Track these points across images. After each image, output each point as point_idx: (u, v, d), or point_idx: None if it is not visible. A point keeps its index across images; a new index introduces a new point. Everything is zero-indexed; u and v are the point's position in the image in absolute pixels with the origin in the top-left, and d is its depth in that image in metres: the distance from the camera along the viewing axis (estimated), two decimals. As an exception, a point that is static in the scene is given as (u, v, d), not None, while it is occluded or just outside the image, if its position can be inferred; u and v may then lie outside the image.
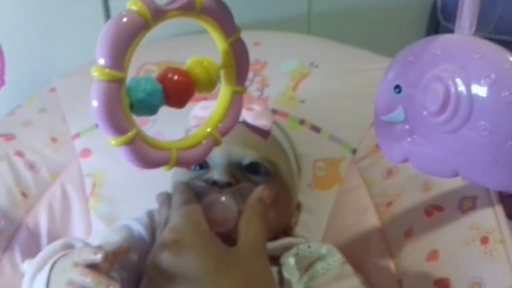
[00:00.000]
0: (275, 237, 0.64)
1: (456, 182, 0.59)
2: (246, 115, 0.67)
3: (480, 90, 0.45)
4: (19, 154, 0.79)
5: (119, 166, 0.77)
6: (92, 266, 0.49)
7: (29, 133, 0.82)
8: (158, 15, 0.41)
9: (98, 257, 0.49)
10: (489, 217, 0.55)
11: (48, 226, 0.75)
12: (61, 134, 0.83)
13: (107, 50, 0.39)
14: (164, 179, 0.66)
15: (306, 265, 0.62)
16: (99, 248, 0.50)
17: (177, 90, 0.44)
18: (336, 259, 0.62)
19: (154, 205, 0.62)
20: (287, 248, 0.62)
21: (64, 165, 0.81)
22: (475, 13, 0.46)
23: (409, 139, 0.52)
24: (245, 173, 0.63)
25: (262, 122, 0.67)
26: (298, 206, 0.72)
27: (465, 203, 0.58)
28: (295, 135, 0.77)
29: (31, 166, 0.78)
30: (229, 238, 0.58)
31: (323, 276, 0.61)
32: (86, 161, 0.81)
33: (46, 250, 0.57)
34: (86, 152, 0.82)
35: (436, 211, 0.60)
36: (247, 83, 0.83)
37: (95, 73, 0.39)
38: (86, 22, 0.96)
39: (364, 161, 0.75)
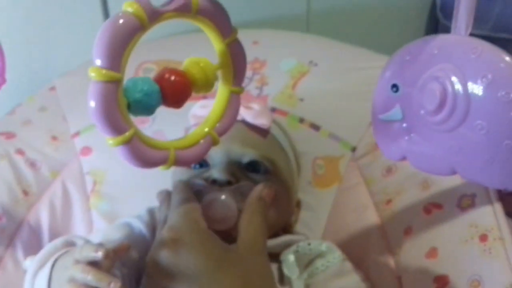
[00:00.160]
0: (275, 234, 0.65)
1: (455, 180, 0.60)
2: (246, 114, 0.67)
3: (477, 90, 0.45)
4: (20, 152, 0.79)
5: (120, 164, 0.77)
6: (94, 264, 0.49)
7: (29, 132, 0.82)
8: (154, 16, 0.41)
9: (99, 254, 0.49)
10: (488, 215, 0.55)
11: (50, 223, 0.75)
12: (61, 132, 0.84)
13: (104, 51, 0.39)
14: (165, 177, 0.66)
15: (306, 262, 0.62)
16: (100, 245, 0.51)
17: (174, 90, 0.44)
18: (335, 256, 0.63)
19: (154, 202, 0.62)
20: (287, 245, 0.62)
21: (65, 163, 0.81)
22: (471, 14, 0.46)
23: (406, 138, 0.52)
24: (244, 171, 0.63)
25: (261, 121, 0.67)
26: (298, 204, 0.72)
27: (464, 201, 0.58)
28: (294, 133, 0.77)
29: (32, 164, 0.78)
30: (229, 236, 0.59)
31: (323, 273, 0.61)
32: (87, 159, 0.82)
33: (48, 247, 0.58)
34: (86, 150, 0.82)
35: (435, 209, 0.61)
36: (246, 81, 0.84)
37: (92, 74, 0.39)
38: (85, 22, 0.96)
39: (363, 159, 0.76)
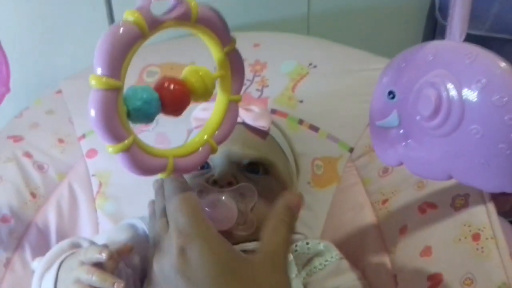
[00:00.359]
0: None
1: (449, 181, 0.61)
2: (245, 116, 0.69)
3: (471, 95, 0.46)
4: (28, 155, 0.81)
5: (124, 166, 0.79)
6: (98, 265, 0.51)
7: (36, 135, 0.84)
8: (155, 25, 0.42)
9: (103, 256, 0.51)
10: (481, 214, 0.56)
11: (57, 224, 0.77)
12: (67, 135, 0.85)
13: (104, 60, 0.39)
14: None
15: (305, 261, 0.63)
16: (104, 247, 0.52)
17: (173, 98, 0.45)
18: (333, 255, 0.64)
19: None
20: (286, 244, 0.64)
21: (71, 165, 0.83)
22: (466, 20, 0.47)
23: (403, 143, 0.53)
24: (244, 172, 0.65)
25: (261, 123, 0.69)
26: (297, 204, 0.74)
27: (457, 200, 0.59)
28: (294, 135, 0.78)
29: (40, 167, 0.80)
30: (230, 235, 0.61)
31: (321, 272, 0.63)
32: (92, 161, 0.83)
33: (54, 249, 0.59)
34: (92, 153, 0.84)
35: (429, 208, 0.62)
36: (247, 83, 0.85)
37: (92, 82, 0.39)
38: (90, 27, 0.98)
39: (361, 159, 0.77)
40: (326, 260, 0.63)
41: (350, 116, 0.79)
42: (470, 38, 1.03)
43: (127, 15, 0.41)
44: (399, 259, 0.62)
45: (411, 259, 0.60)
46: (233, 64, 0.50)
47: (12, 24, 0.97)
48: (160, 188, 0.53)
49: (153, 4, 0.43)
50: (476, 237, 0.55)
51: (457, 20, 0.47)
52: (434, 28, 1.11)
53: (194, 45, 0.89)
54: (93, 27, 0.98)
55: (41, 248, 0.72)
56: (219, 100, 0.51)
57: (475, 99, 0.45)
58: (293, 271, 0.61)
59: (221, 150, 0.64)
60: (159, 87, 0.45)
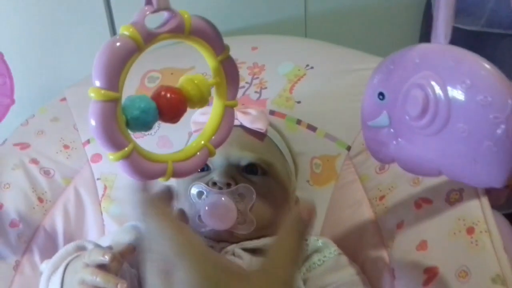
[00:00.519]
0: (274, 231, 0.68)
1: (444, 176, 0.62)
2: (243, 119, 0.70)
3: (457, 95, 0.47)
4: (34, 161, 0.83)
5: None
6: (102, 267, 0.53)
7: (42, 142, 0.86)
8: (149, 38, 0.44)
9: (106, 258, 0.52)
10: (475, 208, 0.57)
11: (64, 228, 0.79)
12: (72, 141, 0.87)
13: (102, 73, 0.41)
14: (171, 181, 0.69)
15: (304, 258, 0.65)
16: (107, 249, 0.54)
17: (170, 107, 0.46)
18: (331, 251, 0.66)
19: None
20: (285, 242, 0.65)
21: (77, 170, 0.85)
22: (450, 24, 0.48)
23: (394, 142, 0.55)
24: (243, 173, 0.67)
25: (258, 125, 0.70)
26: (297, 202, 0.75)
27: (452, 195, 0.60)
28: (292, 135, 0.80)
29: (46, 172, 0.82)
30: (230, 234, 0.62)
31: (319, 268, 0.64)
32: (97, 166, 0.85)
33: (60, 252, 0.62)
34: (96, 157, 0.86)
35: (425, 204, 0.63)
36: (246, 86, 0.87)
37: (92, 94, 0.41)
38: (91, 36, 1.00)
39: (358, 157, 0.78)
40: (325, 256, 0.65)
41: (347, 115, 0.80)
42: (466, 34, 1.04)
43: (123, 29, 0.43)
44: (397, 253, 0.63)
45: (408, 253, 0.61)
46: (228, 71, 0.51)
47: (16, 35, 1.00)
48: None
49: (148, 17, 0.44)
50: (470, 230, 0.56)
51: (442, 23, 0.48)
52: (430, 28, 1.11)
53: (193, 50, 0.91)
54: (94, 36, 1.00)
55: (49, 251, 0.74)
56: (215, 105, 0.53)
57: (461, 99, 0.47)
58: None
59: (220, 152, 0.66)
60: (156, 96, 0.46)
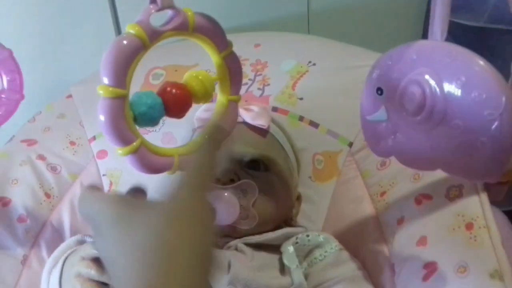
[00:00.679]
0: (276, 227, 0.69)
1: (443, 173, 0.63)
2: (245, 116, 0.71)
3: (452, 91, 0.48)
4: (41, 157, 0.84)
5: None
6: (98, 259, 0.54)
7: (49, 138, 0.87)
8: (154, 36, 0.45)
9: None
10: (474, 204, 0.58)
11: (71, 223, 0.80)
12: (78, 137, 0.88)
13: (110, 71, 0.43)
14: (175, 176, 0.71)
15: (305, 253, 0.66)
16: None
17: (176, 102, 0.48)
18: (333, 246, 0.67)
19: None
20: (287, 237, 0.67)
21: (83, 166, 0.86)
22: (446, 21, 0.49)
23: (392, 137, 0.56)
24: (246, 169, 0.68)
25: (260, 122, 0.71)
26: (299, 198, 0.77)
27: (452, 191, 0.61)
28: (295, 131, 0.81)
29: (53, 168, 0.84)
30: (233, 229, 0.64)
31: (321, 262, 0.65)
32: (103, 162, 0.87)
33: (61, 246, 0.63)
34: (102, 153, 0.87)
35: (425, 200, 0.63)
36: (249, 82, 0.88)
37: (100, 92, 0.43)
38: (97, 34, 1.01)
39: (360, 153, 0.79)
40: (326, 251, 0.66)
41: (348, 112, 0.80)
42: (468, 30, 1.04)
43: (129, 28, 0.44)
44: (397, 249, 0.64)
45: (408, 248, 0.61)
46: (231, 66, 0.52)
47: (22, 33, 1.01)
48: None
49: (152, 15, 0.45)
50: (469, 226, 0.56)
51: (438, 20, 0.49)
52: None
53: (197, 47, 0.92)
54: (99, 33, 1.01)
55: (56, 245, 0.73)
56: (219, 101, 0.54)
57: (456, 96, 0.48)
58: (295, 262, 0.64)
59: (223, 149, 0.67)
60: (162, 92, 0.48)
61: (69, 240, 0.64)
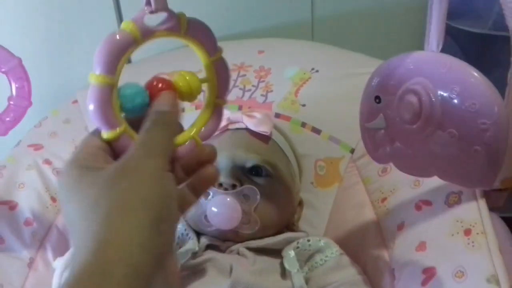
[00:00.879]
0: (278, 232, 0.70)
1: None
2: (248, 122, 0.73)
3: (447, 101, 0.50)
4: (47, 162, 0.85)
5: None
6: None
7: (55, 143, 0.88)
8: (147, 34, 0.47)
9: None
10: (473, 210, 0.59)
11: (76, 226, 0.82)
12: (84, 142, 0.90)
13: (101, 61, 0.45)
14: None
15: (306, 258, 0.67)
16: None
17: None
18: (333, 251, 0.67)
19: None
20: (289, 242, 0.67)
21: (88, 170, 0.87)
22: (442, 32, 0.51)
23: (390, 144, 0.57)
24: (248, 175, 0.69)
25: (263, 128, 0.72)
26: (301, 203, 0.77)
27: (451, 198, 0.61)
28: (297, 137, 0.82)
29: (59, 173, 0.84)
30: (235, 234, 0.65)
31: (321, 267, 0.66)
32: (108, 166, 0.88)
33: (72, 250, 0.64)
34: (106, 158, 0.88)
35: (425, 206, 0.64)
36: (252, 89, 0.89)
37: (91, 79, 0.45)
38: (102, 39, 1.02)
39: (361, 160, 0.79)
40: (327, 256, 0.67)
41: (351, 118, 0.78)
42: (473, 37, 1.04)
43: (123, 25, 0.46)
44: (397, 254, 0.64)
45: (408, 253, 0.62)
46: (219, 71, 0.53)
47: (28, 39, 1.02)
48: None
49: (149, 17, 0.48)
50: (467, 232, 0.57)
51: (434, 32, 0.50)
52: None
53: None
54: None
55: (62, 248, 0.77)
56: (206, 102, 0.55)
57: (451, 105, 0.49)
58: (296, 267, 0.64)
59: (226, 154, 0.68)
60: (149, 84, 0.49)
61: None
